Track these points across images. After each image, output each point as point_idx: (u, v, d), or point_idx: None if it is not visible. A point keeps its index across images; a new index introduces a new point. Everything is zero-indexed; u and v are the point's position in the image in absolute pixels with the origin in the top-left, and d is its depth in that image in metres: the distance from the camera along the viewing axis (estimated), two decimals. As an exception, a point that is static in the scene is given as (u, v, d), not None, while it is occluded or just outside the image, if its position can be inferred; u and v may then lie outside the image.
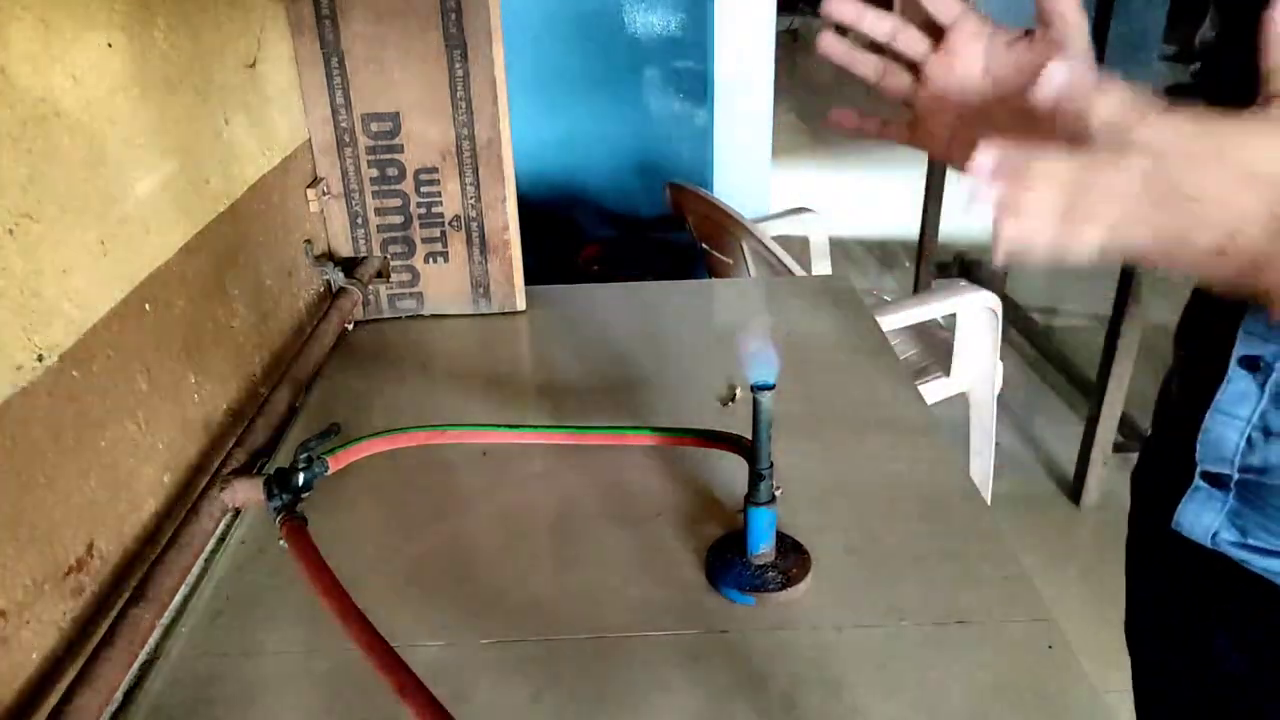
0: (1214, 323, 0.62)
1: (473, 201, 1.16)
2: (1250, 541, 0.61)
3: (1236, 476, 0.61)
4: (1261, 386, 0.60)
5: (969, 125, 0.59)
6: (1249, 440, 0.61)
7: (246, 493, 0.78)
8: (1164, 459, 0.73)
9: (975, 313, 1.96)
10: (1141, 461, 0.81)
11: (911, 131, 0.62)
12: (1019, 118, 0.56)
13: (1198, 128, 0.45)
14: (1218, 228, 0.44)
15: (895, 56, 0.61)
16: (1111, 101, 0.45)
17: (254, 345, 0.96)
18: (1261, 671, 0.66)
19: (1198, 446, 0.62)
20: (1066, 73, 0.46)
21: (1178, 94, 0.75)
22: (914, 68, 0.61)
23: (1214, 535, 0.63)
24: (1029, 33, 0.57)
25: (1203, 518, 0.63)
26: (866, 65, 0.62)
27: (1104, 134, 0.45)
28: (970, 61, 0.58)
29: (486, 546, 0.79)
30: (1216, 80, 0.72)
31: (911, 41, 0.60)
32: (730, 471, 0.84)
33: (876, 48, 0.62)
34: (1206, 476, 0.62)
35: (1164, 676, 0.79)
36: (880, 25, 0.59)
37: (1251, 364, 0.60)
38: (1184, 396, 0.68)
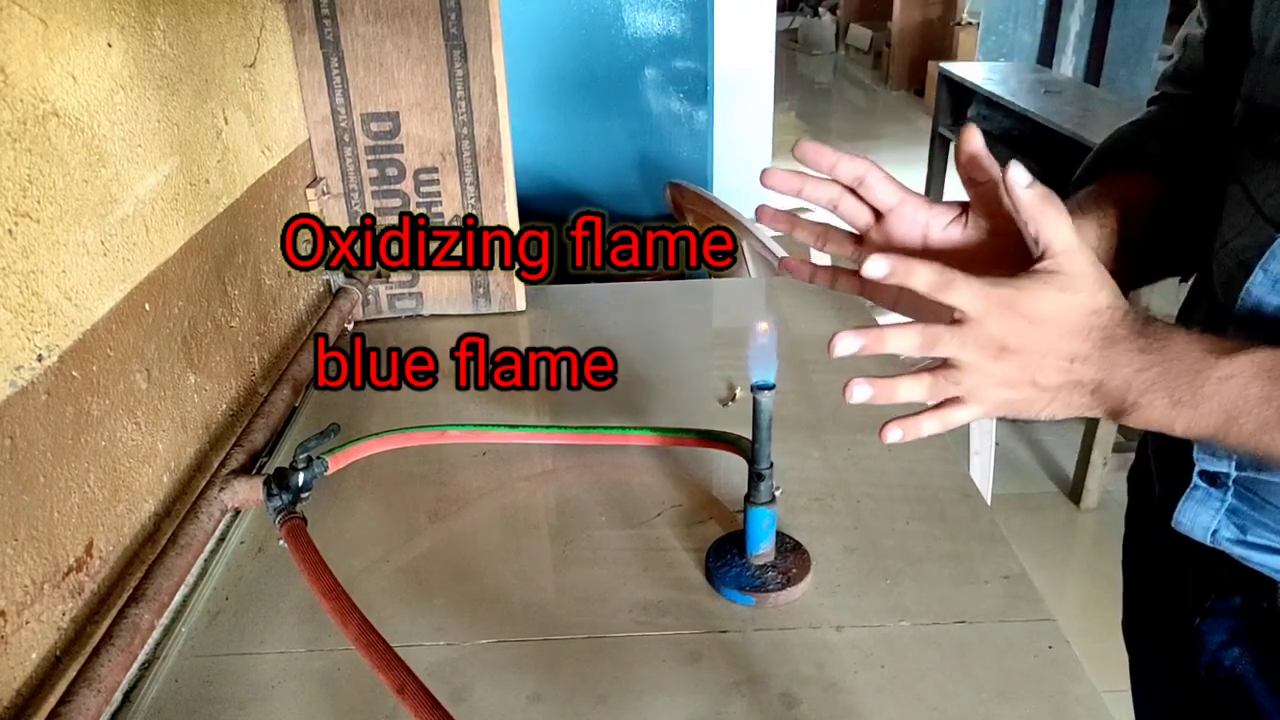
0: (1212, 317, 0.63)
1: (473, 201, 1.16)
2: (1249, 539, 0.62)
3: (1235, 474, 0.61)
4: None
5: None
6: None
7: (246, 493, 0.78)
8: (1162, 458, 0.73)
9: (975, 313, 1.95)
10: (1137, 461, 0.82)
11: (861, 283, 0.62)
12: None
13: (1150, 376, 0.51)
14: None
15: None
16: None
17: (254, 345, 0.96)
18: (1258, 668, 0.67)
19: (1197, 443, 0.62)
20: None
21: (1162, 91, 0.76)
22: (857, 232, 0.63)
23: (1213, 533, 0.63)
24: (965, 209, 0.59)
25: (1201, 516, 0.64)
26: (807, 232, 0.63)
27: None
28: (910, 234, 0.60)
29: (486, 546, 0.79)
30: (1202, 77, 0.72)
31: (853, 211, 0.62)
32: (730, 471, 0.84)
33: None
34: (1204, 475, 0.63)
35: (1160, 673, 0.80)
36: (820, 194, 0.61)
37: None
38: None
